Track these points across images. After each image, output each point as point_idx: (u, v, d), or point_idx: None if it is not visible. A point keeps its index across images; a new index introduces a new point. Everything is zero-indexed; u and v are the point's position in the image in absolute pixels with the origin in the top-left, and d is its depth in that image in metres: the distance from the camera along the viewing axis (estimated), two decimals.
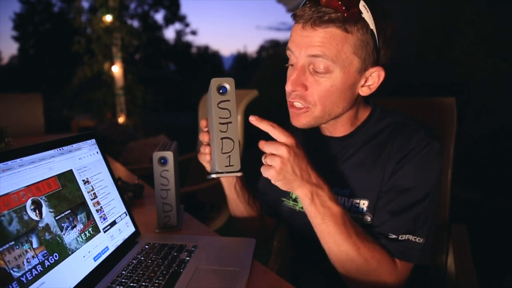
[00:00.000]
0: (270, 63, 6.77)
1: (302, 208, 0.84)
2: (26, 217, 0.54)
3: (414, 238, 0.71)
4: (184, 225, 0.91)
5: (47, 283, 0.54)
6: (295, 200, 0.88)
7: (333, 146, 0.84)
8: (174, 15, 21.26)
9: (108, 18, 3.99)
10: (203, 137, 0.77)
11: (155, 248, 0.75)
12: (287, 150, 0.63)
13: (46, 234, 0.57)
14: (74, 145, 0.72)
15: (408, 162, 0.73)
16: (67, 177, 0.66)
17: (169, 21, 21.16)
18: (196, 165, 2.38)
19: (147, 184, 1.23)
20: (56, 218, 0.60)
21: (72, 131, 5.53)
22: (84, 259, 0.63)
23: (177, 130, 5.32)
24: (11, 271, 0.49)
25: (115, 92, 4.26)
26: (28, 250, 0.53)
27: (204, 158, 0.79)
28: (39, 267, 0.53)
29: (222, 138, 0.66)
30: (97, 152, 0.78)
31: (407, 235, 0.71)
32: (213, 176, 0.69)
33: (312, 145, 0.87)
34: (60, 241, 0.59)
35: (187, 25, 25.67)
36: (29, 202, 0.56)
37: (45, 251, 0.55)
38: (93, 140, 0.78)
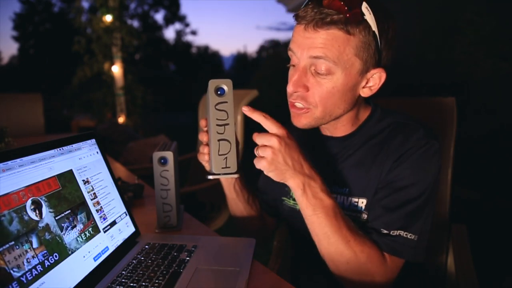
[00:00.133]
0: (270, 63, 6.75)
1: None
2: (26, 217, 0.54)
3: (406, 234, 0.71)
4: (184, 225, 0.91)
5: (47, 283, 0.54)
6: (295, 199, 0.88)
7: (333, 146, 0.84)
8: (174, 15, 21.27)
9: (108, 18, 3.99)
10: (202, 137, 0.77)
11: (155, 248, 0.75)
12: (278, 140, 0.63)
13: (46, 234, 0.57)
14: (74, 145, 0.72)
15: (406, 160, 0.74)
16: (67, 177, 0.66)
17: (169, 21, 21.18)
18: (196, 165, 2.38)
19: (147, 184, 1.23)
20: (56, 218, 0.60)
21: (72, 131, 5.54)
22: (84, 259, 0.63)
23: (177, 130, 5.32)
24: (11, 271, 0.49)
25: (115, 92, 4.27)
26: (28, 250, 0.53)
27: (203, 158, 0.79)
28: (39, 267, 0.53)
29: (219, 140, 0.66)
30: (97, 152, 0.78)
31: (398, 231, 0.71)
32: (210, 177, 0.70)
33: (311, 144, 0.88)
34: (60, 241, 0.59)
35: (187, 25, 25.69)
36: (29, 202, 0.56)
37: (45, 251, 0.55)
38: (93, 140, 0.78)
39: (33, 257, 0.53)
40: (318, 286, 0.89)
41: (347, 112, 0.77)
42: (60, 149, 0.67)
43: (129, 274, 0.65)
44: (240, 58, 27.86)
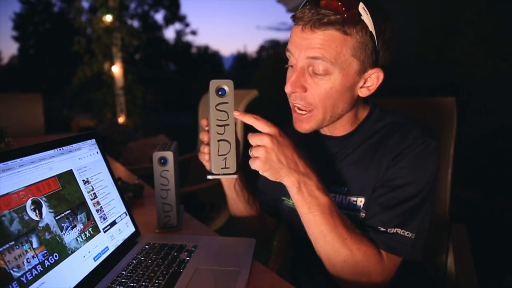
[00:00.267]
0: (270, 63, 6.75)
1: None
2: (26, 217, 0.54)
3: (403, 232, 0.71)
4: (184, 225, 0.91)
5: (47, 283, 0.54)
6: (291, 198, 0.88)
7: (332, 145, 0.84)
8: (174, 15, 21.27)
9: (108, 18, 3.99)
10: (203, 136, 0.77)
11: (155, 248, 0.75)
12: (269, 139, 0.64)
13: (46, 234, 0.57)
14: (74, 145, 0.72)
15: (403, 159, 0.74)
16: (67, 177, 0.66)
17: (169, 21, 21.18)
18: (196, 165, 2.38)
19: (147, 184, 1.23)
20: (56, 218, 0.60)
21: (72, 131, 5.54)
22: (84, 259, 0.63)
23: (177, 130, 5.32)
24: (11, 271, 0.49)
25: (115, 92, 4.26)
26: (28, 250, 0.53)
27: (204, 157, 0.79)
28: (39, 267, 0.53)
29: (219, 140, 0.66)
30: (97, 152, 0.78)
31: (396, 229, 0.71)
32: (209, 177, 0.70)
33: (310, 144, 0.88)
34: (60, 241, 0.59)
35: (187, 25, 25.70)
36: (29, 202, 0.56)
37: (45, 251, 0.55)
38: (93, 140, 0.78)
39: (33, 257, 0.53)
40: (318, 286, 0.89)
41: (347, 112, 0.77)
42: (60, 149, 0.67)
43: (129, 274, 0.65)
44: (240, 58, 27.87)
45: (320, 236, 0.68)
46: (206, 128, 0.77)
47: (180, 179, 0.98)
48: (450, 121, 1.08)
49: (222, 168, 0.67)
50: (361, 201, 0.78)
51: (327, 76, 0.70)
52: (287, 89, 0.73)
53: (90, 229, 0.67)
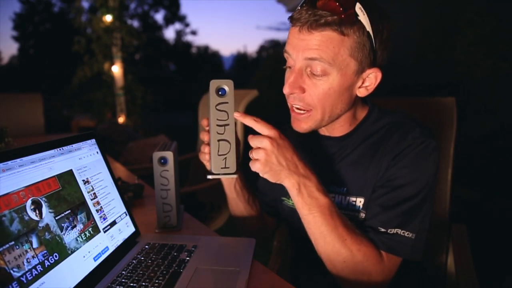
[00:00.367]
0: (270, 63, 6.77)
1: None
2: (26, 217, 0.54)
3: (403, 233, 0.71)
4: (184, 225, 0.91)
5: (47, 283, 0.54)
6: (291, 199, 0.88)
7: (331, 145, 0.84)
8: (174, 15, 21.27)
9: (108, 18, 3.99)
10: (204, 136, 0.78)
11: (155, 248, 0.75)
12: (269, 141, 0.64)
13: (46, 234, 0.57)
14: (74, 145, 0.72)
15: (402, 159, 0.74)
16: (67, 177, 0.66)
17: (169, 21, 21.18)
18: (196, 165, 2.38)
19: (147, 184, 1.23)
20: (56, 218, 0.60)
21: (72, 131, 5.54)
22: (84, 259, 0.63)
23: (177, 130, 5.32)
24: (11, 271, 0.49)
25: (115, 92, 4.26)
26: (28, 250, 0.53)
27: (204, 157, 0.79)
28: (39, 267, 0.53)
29: (219, 140, 0.67)
30: (97, 152, 0.78)
31: (396, 229, 0.71)
32: (209, 177, 0.70)
33: (309, 144, 0.88)
34: (60, 241, 0.59)
35: (187, 25, 25.69)
36: (29, 202, 0.56)
37: (45, 251, 0.55)
38: (93, 140, 0.78)
39: (33, 257, 0.53)
40: (318, 286, 0.89)
41: (345, 113, 0.77)
42: (60, 149, 0.67)
43: (129, 274, 0.65)
44: (240, 58, 27.87)
45: (321, 237, 0.68)
46: (207, 128, 0.77)
47: (180, 179, 0.98)
48: (450, 121, 1.08)
49: (222, 168, 0.67)
50: (360, 202, 0.78)
51: (325, 76, 0.70)
52: (285, 90, 0.73)
53: (90, 229, 0.67)
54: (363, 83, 0.74)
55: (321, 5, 0.66)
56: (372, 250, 0.70)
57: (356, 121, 0.82)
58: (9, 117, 2.63)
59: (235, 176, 0.69)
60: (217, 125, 0.67)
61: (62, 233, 0.60)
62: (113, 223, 0.75)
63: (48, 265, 0.55)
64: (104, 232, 0.71)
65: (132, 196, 1.10)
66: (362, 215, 0.78)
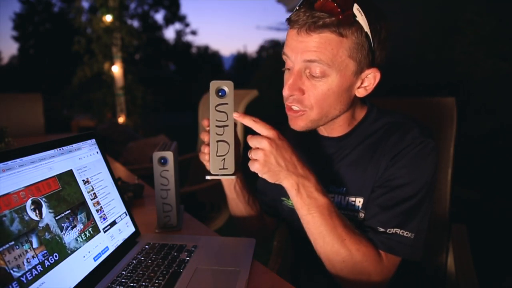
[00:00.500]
0: (270, 63, 6.77)
1: None
2: (26, 217, 0.54)
3: (402, 232, 0.71)
4: (184, 225, 0.91)
5: (47, 283, 0.54)
6: (290, 199, 0.88)
7: (330, 145, 0.84)
8: (174, 15, 21.27)
9: (108, 18, 3.98)
10: (204, 137, 0.78)
11: (155, 248, 0.75)
12: (268, 142, 0.64)
13: (46, 234, 0.57)
14: (74, 145, 0.72)
15: (402, 159, 0.74)
16: (67, 177, 0.66)
17: (169, 21, 21.18)
18: (196, 165, 2.37)
19: (147, 184, 1.23)
20: (56, 218, 0.60)
21: (72, 131, 5.53)
22: (84, 259, 0.63)
23: (177, 130, 5.31)
24: (11, 271, 0.49)
25: (115, 92, 4.26)
26: (28, 250, 0.53)
27: (204, 157, 0.79)
28: (39, 267, 0.53)
29: (218, 141, 0.67)
30: (97, 152, 0.78)
31: (395, 229, 0.71)
32: (208, 177, 0.70)
33: (308, 144, 0.88)
34: (60, 241, 0.59)
35: (187, 25, 25.70)
36: (29, 202, 0.56)
37: (45, 251, 0.55)
38: (93, 140, 0.78)
39: (33, 257, 0.53)
40: (318, 286, 0.89)
41: (344, 113, 0.78)
42: (60, 149, 0.67)
43: (129, 274, 0.65)
44: (240, 58, 27.87)
45: (320, 237, 0.69)
46: (207, 129, 0.78)
47: (180, 179, 0.98)
48: (450, 121, 1.08)
49: (220, 169, 0.67)
50: (359, 202, 0.78)
51: (324, 78, 0.70)
52: (285, 92, 0.73)
53: (90, 229, 0.67)
54: (362, 83, 0.74)
55: (319, 6, 0.66)
56: (371, 250, 0.70)
57: (355, 121, 0.83)
58: (9, 117, 2.63)
59: (233, 177, 0.69)
60: (216, 126, 0.67)
61: (62, 233, 0.60)
62: (113, 223, 0.75)
63: (48, 265, 0.55)
64: (104, 232, 0.71)
65: (132, 196, 1.10)
66: (362, 215, 0.78)
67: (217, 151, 0.67)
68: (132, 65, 4.39)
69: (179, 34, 22.83)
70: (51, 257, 0.56)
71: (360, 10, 0.66)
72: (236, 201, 0.92)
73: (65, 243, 0.60)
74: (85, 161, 0.73)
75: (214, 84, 0.67)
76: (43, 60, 16.40)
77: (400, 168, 0.74)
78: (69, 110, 7.03)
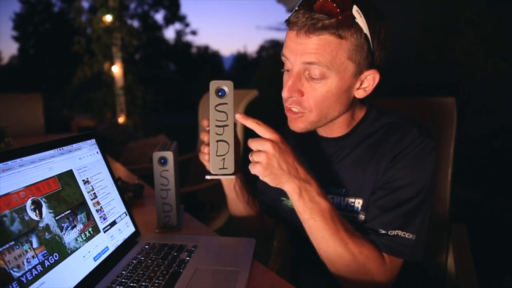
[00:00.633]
0: (270, 63, 6.77)
1: None
2: (26, 217, 0.54)
3: (404, 234, 0.71)
4: (184, 225, 0.91)
5: (47, 283, 0.54)
6: (292, 204, 0.88)
7: (329, 146, 0.84)
8: (174, 15, 21.27)
9: (108, 18, 3.98)
10: (204, 136, 0.78)
11: (155, 248, 0.75)
12: (271, 145, 0.64)
13: (46, 234, 0.57)
14: (74, 145, 0.72)
15: (401, 160, 0.74)
16: (67, 177, 0.66)
17: (169, 21, 21.17)
18: (196, 165, 2.37)
19: (147, 184, 1.23)
20: (56, 218, 0.60)
21: (72, 131, 5.53)
22: (84, 259, 0.63)
23: (177, 130, 5.31)
24: (11, 271, 0.49)
25: (115, 92, 4.26)
26: (28, 250, 0.53)
27: (204, 157, 0.79)
28: (39, 267, 0.53)
29: (217, 141, 0.67)
30: (97, 152, 0.78)
31: (396, 231, 0.71)
32: (208, 177, 0.70)
33: (307, 145, 0.88)
34: (60, 241, 0.59)
35: (187, 25, 25.69)
36: (29, 202, 0.56)
37: (45, 251, 0.55)
38: (93, 140, 0.78)
39: (33, 257, 0.53)
40: (318, 286, 0.89)
41: (343, 114, 0.78)
42: (60, 149, 0.67)
43: (129, 274, 0.65)
44: (240, 58, 27.87)
45: (323, 241, 0.68)
46: (207, 128, 0.78)
47: (180, 179, 0.98)
48: (450, 121, 1.08)
49: (220, 169, 0.67)
50: (358, 203, 0.78)
51: (323, 80, 0.70)
52: (284, 94, 0.73)
53: (90, 229, 0.67)
54: (361, 84, 0.74)
55: (319, 7, 0.66)
56: (373, 252, 0.70)
57: (354, 121, 0.82)
58: (9, 117, 2.63)
59: (232, 177, 0.69)
60: (216, 126, 0.67)
61: (62, 233, 0.60)
62: (113, 223, 0.75)
63: (48, 265, 0.55)
64: (104, 232, 0.71)
65: (132, 196, 1.10)
66: (361, 216, 0.77)
67: (217, 151, 0.67)
68: (132, 65, 4.39)
69: (179, 34, 22.85)
70: (51, 257, 0.56)
71: (359, 11, 0.66)
72: (236, 201, 0.92)
73: (65, 243, 0.60)
74: (85, 161, 0.73)
75: (214, 84, 0.67)
76: (43, 60, 16.40)
77: (400, 169, 0.74)
78: (69, 110, 7.03)
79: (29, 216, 0.55)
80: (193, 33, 26.88)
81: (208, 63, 23.72)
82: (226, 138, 0.67)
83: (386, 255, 0.71)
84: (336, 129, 0.82)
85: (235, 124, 0.71)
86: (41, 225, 0.56)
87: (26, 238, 0.53)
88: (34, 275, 0.52)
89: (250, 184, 0.96)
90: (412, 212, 0.72)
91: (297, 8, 0.69)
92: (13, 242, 0.51)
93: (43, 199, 0.59)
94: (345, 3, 0.65)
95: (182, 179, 2.16)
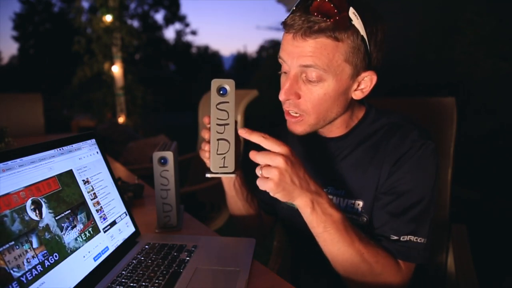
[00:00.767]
0: (270, 63, 6.77)
1: None
2: (26, 217, 0.54)
3: (416, 239, 0.71)
4: (184, 225, 0.91)
5: (47, 283, 0.54)
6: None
7: (328, 146, 0.84)
8: (174, 15, 21.27)
9: (108, 18, 3.99)
10: (204, 134, 0.78)
11: (155, 248, 0.75)
12: (284, 160, 0.60)
13: (46, 234, 0.57)
14: (74, 145, 0.72)
15: (405, 163, 0.73)
16: (67, 177, 0.66)
17: (169, 21, 21.18)
18: (196, 165, 2.37)
19: (147, 184, 1.23)
20: (56, 218, 0.60)
21: (72, 131, 5.53)
22: (84, 259, 0.63)
23: (177, 130, 5.32)
24: (11, 271, 0.49)
25: (115, 92, 4.26)
26: (28, 250, 0.53)
27: (204, 155, 0.79)
28: (39, 267, 0.53)
29: (218, 139, 0.66)
30: (97, 152, 0.78)
31: (408, 236, 0.71)
32: (208, 175, 0.70)
33: (307, 146, 0.88)
34: (60, 241, 0.59)
35: (187, 25, 25.71)
36: (29, 202, 0.56)
37: (45, 251, 0.55)
38: (93, 140, 0.78)
39: (33, 257, 0.53)
40: (318, 286, 0.89)
41: (341, 115, 0.77)
42: (60, 149, 0.67)
43: (129, 274, 0.65)
44: (240, 58, 27.87)
45: (338, 254, 0.67)
46: (208, 126, 0.77)
47: (180, 179, 0.98)
48: (450, 121, 1.08)
49: (220, 167, 0.67)
50: (359, 204, 0.78)
51: (320, 82, 0.69)
52: (281, 96, 0.72)
53: (90, 229, 0.67)
54: (358, 86, 0.74)
55: (315, 8, 0.65)
56: (389, 260, 0.69)
57: (353, 122, 0.82)
58: (9, 117, 2.63)
59: (233, 175, 0.68)
60: (217, 124, 0.67)
61: (62, 233, 0.60)
62: (113, 223, 0.75)
63: (48, 265, 0.55)
64: (104, 232, 0.71)
65: (132, 196, 1.10)
66: (363, 218, 0.77)
67: (217, 149, 0.67)
68: (132, 65, 4.39)
69: (179, 34, 22.85)
70: (51, 257, 0.56)
71: (356, 13, 0.65)
72: (235, 198, 0.92)
73: (65, 243, 0.60)
74: (85, 161, 0.73)
75: (215, 83, 0.66)
76: (43, 60, 16.40)
77: (405, 173, 0.73)
78: (69, 110, 7.03)
79: (29, 216, 0.55)
80: (193, 33, 26.95)
81: (208, 63, 23.71)
82: (227, 137, 0.67)
83: (401, 261, 0.71)
84: (335, 130, 0.82)
85: (236, 123, 0.71)
86: (41, 225, 0.56)
87: (26, 238, 0.53)
88: (34, 275, 0.52)
89: (249, 181, 0.96)
90: (421, 216, 0.72)
91: (293, 9, 0.69)
92: (13, 242, 0.51)
93: (43, 199, 0.59)
94: (342, 4, 0.65)
95: (182, 179, 2.16)
